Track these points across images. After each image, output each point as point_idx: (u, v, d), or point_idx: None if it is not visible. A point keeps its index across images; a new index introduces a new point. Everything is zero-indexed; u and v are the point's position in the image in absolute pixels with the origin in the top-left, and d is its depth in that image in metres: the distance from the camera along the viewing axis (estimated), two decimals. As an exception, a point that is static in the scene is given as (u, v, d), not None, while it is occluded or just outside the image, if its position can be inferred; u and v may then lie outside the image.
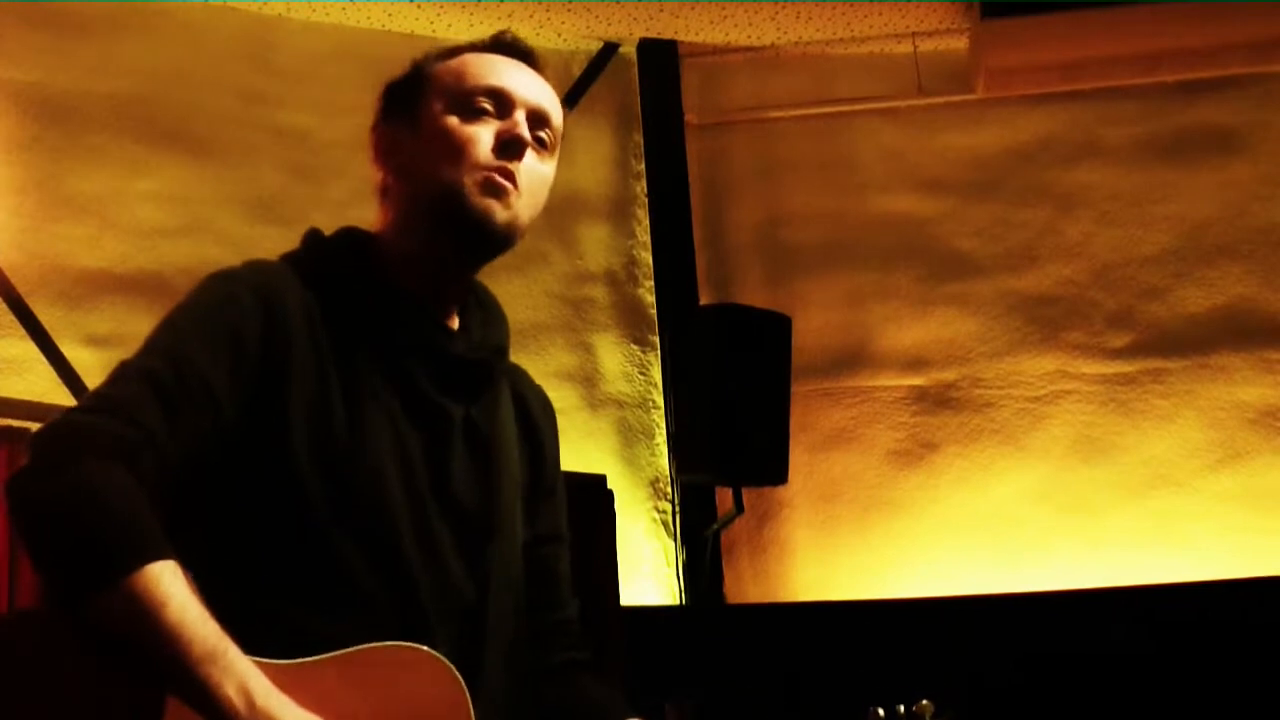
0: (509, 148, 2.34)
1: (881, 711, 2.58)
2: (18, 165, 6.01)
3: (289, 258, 2.35)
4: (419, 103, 2.38)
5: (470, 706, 2.20)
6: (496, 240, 2.35)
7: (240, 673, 1.98)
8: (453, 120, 2.34)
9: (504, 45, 2.46)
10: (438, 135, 2.34)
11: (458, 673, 2.18)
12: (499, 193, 2.32)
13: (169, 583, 1.97)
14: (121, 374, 2.11)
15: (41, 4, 6.14)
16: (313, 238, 2.40)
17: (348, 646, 2.10)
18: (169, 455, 2.06)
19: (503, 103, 2.37)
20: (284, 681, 2.03)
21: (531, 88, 2.41)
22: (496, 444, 2.43)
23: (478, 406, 2.42)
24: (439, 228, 2.33)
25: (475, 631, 2.29)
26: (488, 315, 2.53)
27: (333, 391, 2.21)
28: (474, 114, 2.35)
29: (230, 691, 1.97)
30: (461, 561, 2.30)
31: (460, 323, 2.45)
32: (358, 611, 2.15)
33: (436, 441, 2.32)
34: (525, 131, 2.36)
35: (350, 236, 2.40)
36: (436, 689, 2.18)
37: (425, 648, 2.17)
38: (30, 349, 5.80)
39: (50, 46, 6.18)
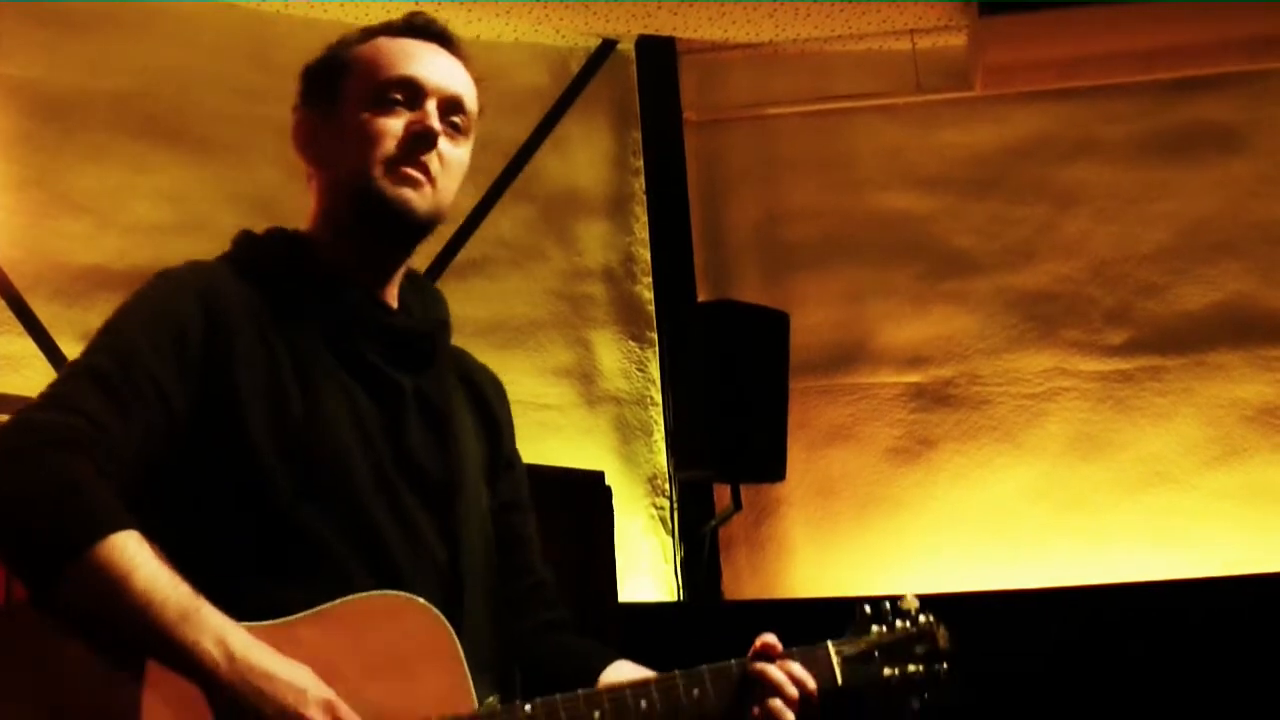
0: (419, 140, 2.37)
1: (868, 607, 2.57)
2: (16, 162, 6.00)
3: (226, 258, 2.40)
4: (336, 90, 2.42)
5: (457, 644, 2.20)
6: (416, 228, 2.41)
7: (216, 627, 2.00)
8: (365, 113, 2.38)
9: (417, 28, 2.48)
10: (351, 128, 2.38)
11: (440, 614, 2.20)
12: (414, 184, 2.36)
13: (134, 550, 2.00)
14: (70, 373, 2.19)
15: (42, 2, 6.14)
16: (246, 237, 2.45)
17: (302, 608, 2.12)
18: (122, 450, 2.10)
19: (414, 93, 2.40)
20: (265, 639, 2.03)
21: (443, 74, 2.43)
22: (448, 413, 2.46)
23: (425, 379, 2.45)
24: (360, 218, 2.38)
25: (452, 586, 2.31)
26: (425, 296, 2.56)
27: (284, 373, 2.25)
28: (386, 106, 2.38)
29: (208, 646, 1.98)
30: (431, 523, 2.33)
31: (399, 302, 2.48)
32: (331, 580, 2.16)
33: (391, 412, 2.36)
34: (435, 122, 2.39)
35: (281, 231, 2.45)
36: (421, 631, 2.19)
37: (404, 593, 2.19)
38: (28, 345, 5.80)
39: (49, 43, 6.18)
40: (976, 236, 6.96)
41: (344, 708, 2.03)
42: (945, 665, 2.60)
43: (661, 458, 6.69)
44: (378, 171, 2.35)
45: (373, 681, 2.11)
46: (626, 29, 7.04)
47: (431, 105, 2.40)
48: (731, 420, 6.05)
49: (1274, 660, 5.83)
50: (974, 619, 6.16)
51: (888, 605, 2.59)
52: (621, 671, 2.44)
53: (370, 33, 2.49)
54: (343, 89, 2.41)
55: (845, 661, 2.52)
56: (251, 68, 6.36)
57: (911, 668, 2.57)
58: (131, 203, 6.13)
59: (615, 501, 6.35)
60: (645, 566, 6.56)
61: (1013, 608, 6.14)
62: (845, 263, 6.97)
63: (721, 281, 6.98)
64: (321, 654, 2.07)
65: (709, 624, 6.22)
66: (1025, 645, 5.96)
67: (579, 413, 6.70)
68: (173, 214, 6.13)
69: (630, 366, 6.83)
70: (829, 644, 2.52)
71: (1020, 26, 6.74)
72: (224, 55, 6.42)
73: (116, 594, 1.97)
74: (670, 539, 6.59)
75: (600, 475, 6.40)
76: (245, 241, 2.44)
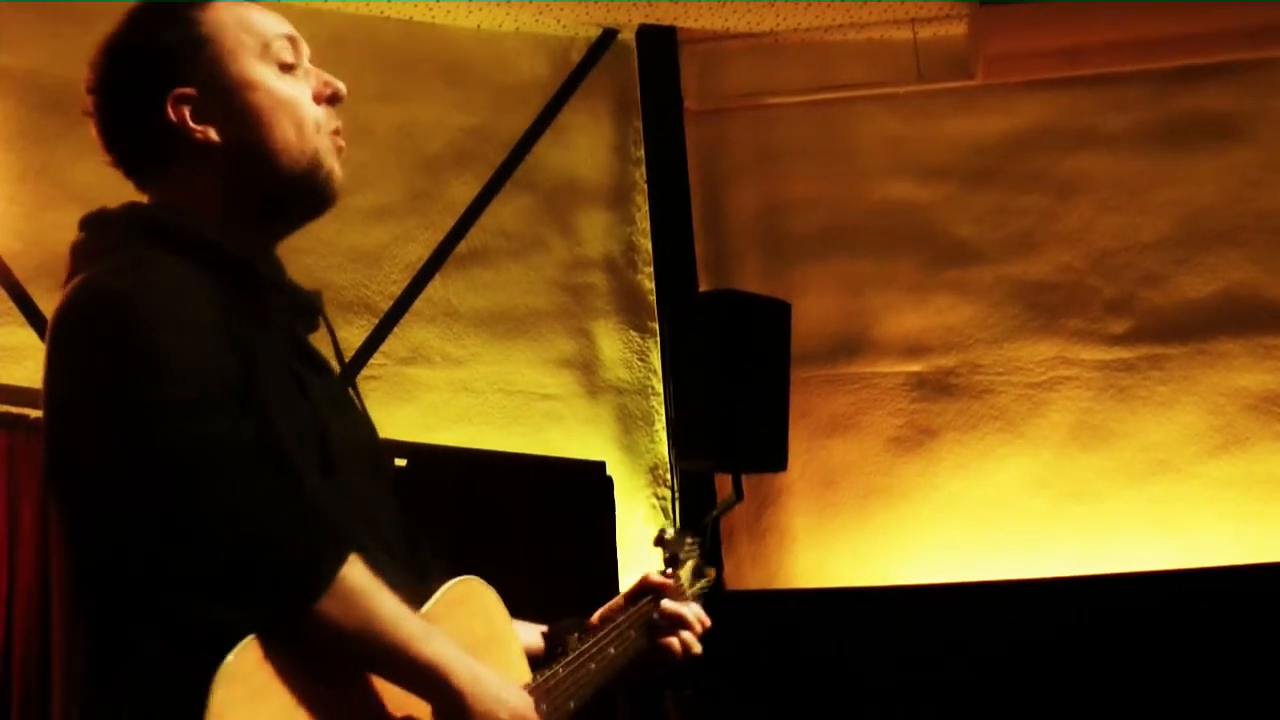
0: (335, 101, 2.32)
1: (666, 533, 3.06)
2: (17, 153, 6.00)
3: (152, 246, 2.18)
4: (206, 63, 2.25)
5: (508, 616, 2.36)
6: (331, 200, 2.32)
7: (452, 645, 2.01)
8: (273, 78, 2.27)
9: None
10: (260, 96, 2.24)
11: (492, 589, 2.33)
12: (339, 141, 2.32)
13: (368, 570, 1.96)
14: (164, 379, 1.93)
15: (40, -9, 6.14)
16: (155, 219, 2.27)
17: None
18: (257, 445, 1.99)
19: (297, 50, 2.33)
20: None
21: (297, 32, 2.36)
22: (351, 381, 2.46)
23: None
24: (284, 191, 2.26)
25: (419, 558, 2.36)
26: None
27: (266, 359, 2.14)
28: (284, 67, 2.29)
29: (454, 663, 1.99)
30: (380, 491, 2.33)
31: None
32: (374, 570, 2.12)
33: (329, 386, 2.31)
34: (339, 83, 2.33)
35: (185, 213, 2.26)
36: (495, 612, 2.34)
37: (471, 576, 2.29)
38: (29, 337, 5.80)
39: (50, 34, 6.17)
40: (978, 226, 6.95)
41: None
42: (712, 574, 3.14)
43: (663, 448, 6.70)
44: (312, 135, 2.26)
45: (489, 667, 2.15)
46: (627, 19, 7.03)
47: (306, 59, 2.34)
48: (733, 410, 6.05)
49: (1276, 649, 5.84)
50: (976, 608, 6.20)
51: (669, 537, 3.07)
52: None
53: (191, 4, 2.32)
54: (212, 60, 2.26)
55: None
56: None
57: (701, 584, 3.08)
58: (133, 194, 6.11)
59: (616, 491, 6.36)
60: (647, 556, 6.55)
61: (1014, 597, 6.14)
62: (847, 252, 6.97)
63: (723, 271, 6.98)
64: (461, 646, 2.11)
65: (710, 614, 6.22)
66: (1027, 634, 5.97)
67: (580, 403, 6.70)
68: (173, 204, 6.12)
69: (631, 356, 6.83)
70: (680, 574, 2.96)
71: (1021, 15, 6.74)
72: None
73: (370, 619, 1.93)
74: (672, 529, 6.58)
75: (601, 465, 6.41)
76: (160, 226, 2.24)
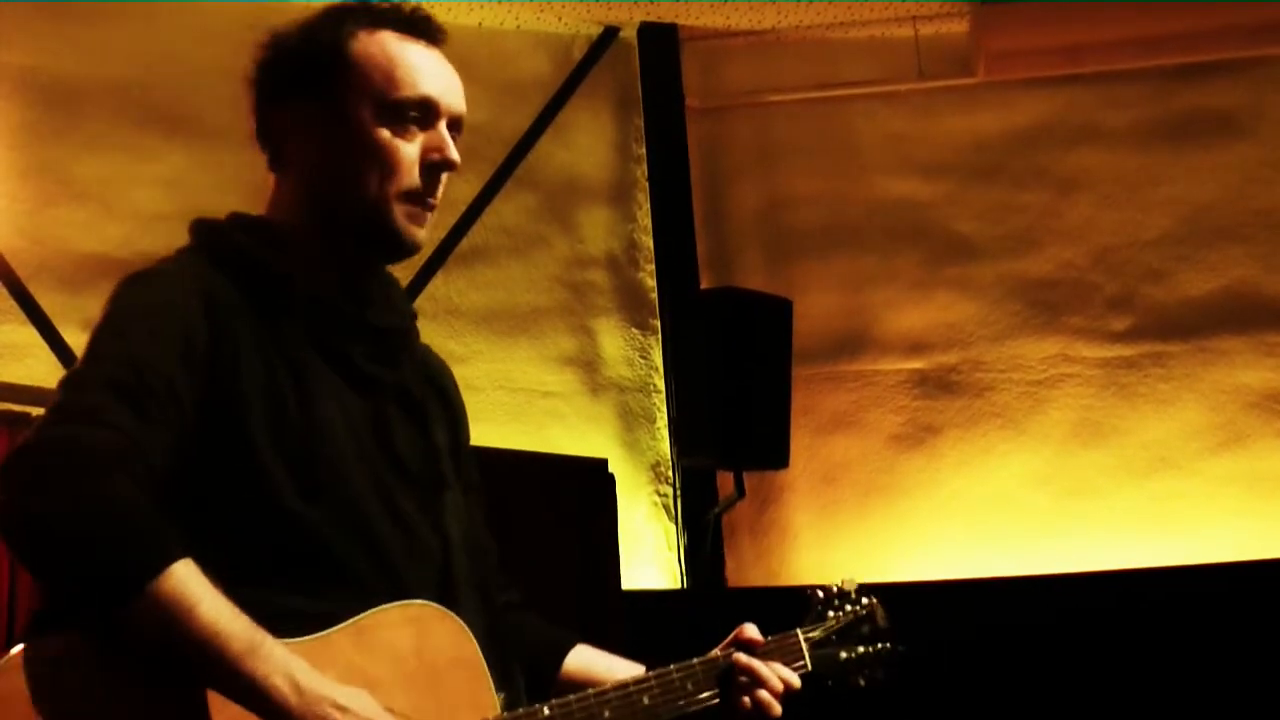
0: (437, 169, 2.33)
1: (820, 592, 2.74)
2: (18, 150, 6.00)
3: (196, 252, 2.30)
4: (338, 88, 2.30)
5: (477, 649, 2.24)
6: (407, 254, 2.36)
7: (282, 660, 1.97)
8: (383, 132, 2.29)
9: (420, 28, 2.39)
10: (366, 143, 2.28)
11: (460, 620, 2.23)
12: (422, 221, 2.33)
13: (196, 582, 1.96)
14: (79, 383, 2.08)
15: (42, -10, 6.14)
16: (210, 228, 2.35)
17: (339, 620, 2.10)
18: (152, 461, 2.03)
19: (429, 113, 2.33)
20: (305, 656, 2.02)
21: (453, 91, 2.37)
22: (425, 408, 2.43)
23: (399, 373, 2.41)
24: (353, 235, 2.32)
25: (446, 583, 2.31)
26: (390, 288, 2.48)
27: (279, 374, 2.19)
28: (403, 125, 2.31)
29: (278, 681, 1.96)
30: (422, 519, 2.32)
31: (369, 294, 2.40)
32: (340, 585, 2.15)
33: (377, 410, 2.32)
34: (453, 152, 2.34)
35: (246, 221, 2.35)
36: (445, 638, 2.22)
37: (427, 602, 2.21)
38: (31, 334, 5.80)
39: (51, 31, 6.17)
40: (979, 223, 6.95)
41: None
42: (887, 644, 2.75)
43: (665, 445, 6.70)
44: (393, 202, 2.29)
45: (408, 693, 2.12)
46: (629, 16, 7.03)
47: (443, 127, 2.34)
48: (735, 407, 6.05)
49: (1277, 645, 5.84)
50: (977, 605, 6.19)
51: (835, 589, 2.75)
52: (583, 656, 2.53)
53: (367, 21, 2.36)
54: (345, 87, 2.30)
55: (813, 648, 2.66)
56: (254, 56, 6.36)
57: (861, 649, 2.73)
58: (133, 191, 6.13)
59: (618, 489, 6.35)
60: (649, 554, 6.56)
61: (1015, 593, 6.14)
62: (848, 249, 6.97)
63: (724, 268, 6.98)
64: (361, 672, 2.08)
65: (712, 611, 6.23)
66: (1028, 631, 5.97)
67: (582, 400, 6.71)
68: (175, 202, 6.12)
69: (633, 354, 6.83)
70: (798, 632, 2.66)
71: (1022, 13, 6.75)
72: (226, 43, 6.38)
73: (182, 627, 1.93)
74: (674, 526, 6.59)
75: (603, 463, 6.40)
76: (212, 234, 2.34)
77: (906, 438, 6.74)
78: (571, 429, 6.63)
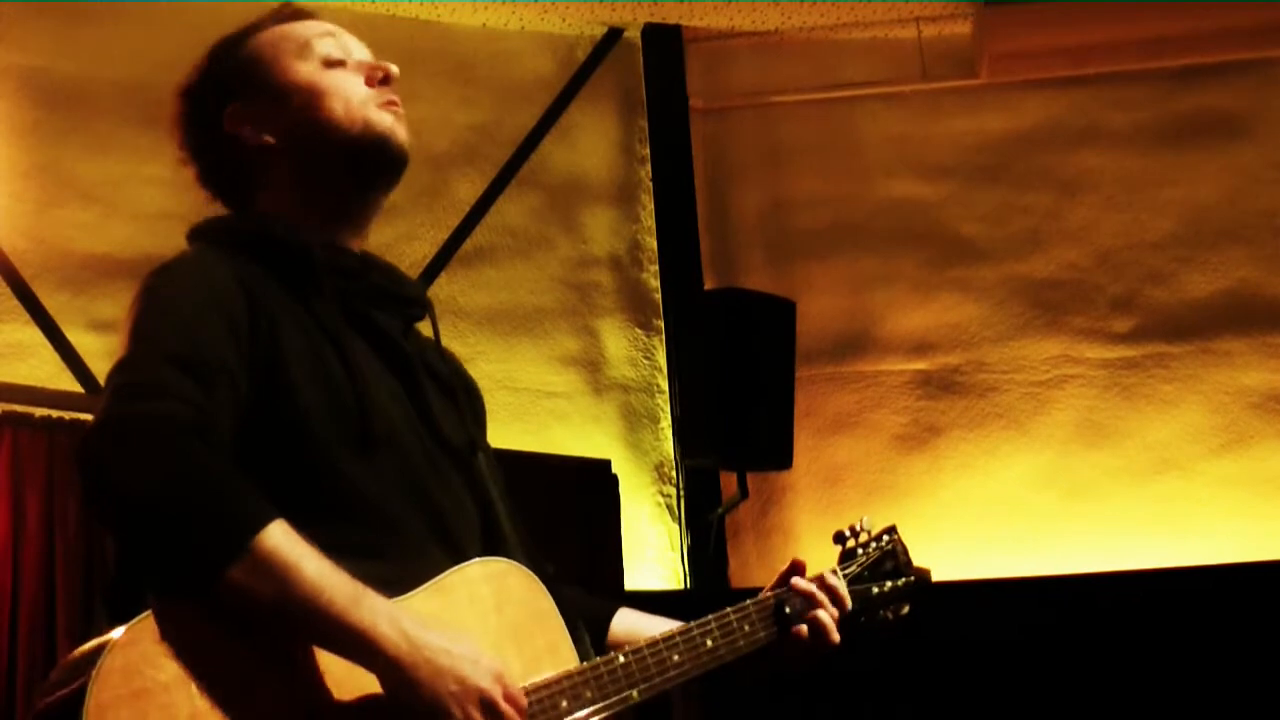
0: (385, 80, 2.43)
1: (847, 531, 2.78)
2: (22, 150, 6.01)
3: (211, 246, 2.35)
4: (260, 76, 2.43)
5: (553, 603, 2.30)
6: (400, 158, 2.41)
7: (386, 610, 1.99)
8: (317, 69, 2.40)
9: (298, 13, 2.53)
10: (309, 85, 2.40)
11: (534, 574, 2.29)
12: (395, 109, 2.41)
13: (295, 539, 1.98)
14: (137, 363, 2.09)
15: (46, -10, 6.15)
16: (218, 222, 2.42)
17: (406, 585, 2.11)
18: (220, 426, 2.06)
19: (343, 48, 2.44)
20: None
21: (349, 35, 2.49)
22: (452, 376, 2.49)
23: (421, 343, 2.47)
24: (347, 166, 2.37)
25: (494, 545, 2.35)
26: (387, 265, 2.54)
27: (319, 343, 2.23)
28: (328, 62, 2.41)
29: (386, 629, 1.97)
30: (463, 484, 2.35)
31: (380, 266, 2.49)
32: (398, 546, 2.17)
33: (409, 378, 2.36)
34: (389, 63, 2.44)
35: (258, 212, 2.41)
36: (526, 595, 2.28)
37: (503, 559, 2.27)
38: (35, 334, 5.81)
39: (55, 32, 6.18)
40: (983, 224, 6.96)
41: (508, 675, 2.06)
42: (911, 578, 2.78)
43: (668, 445, 6.70)
44: (364, 108, 2.38)
45: (496, 647, 2.13)
46: (633, 17, 7.04)
47: (359, 54, 2.46)
48: (738, 408, 6.06)
49: (1279, 646, 5.84)
50: (980, 606, 6.19)
51: (860, 528, 2.78)
52: (629, 618, 2.59)
53: (252, 29, 2.54)
54: (271, 69, 2.43)
55: (849, 584, 2.67)
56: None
57: (889, 584, 2.74)
58: (138, 191, 6.13)
59: (622, 489, 6.36)
60: (652, 554, 6.56)
61: (1018, 594, 6.15)
62: (851, 250, 6.97)
63: (728, 269, 6.99)
64: (449, 624, 2.09)
65: (715, 611, 6.22)
66: (1031, 632, 5.97)
67: (586, 401, 6.71)
68: (179, 202, 6.06)
69: (637, 354, 6.83)
70: (836, 570, 2.69)
71: (1026, 14, 6.75)
72: (230, 43, 6.43)
73: (288, 583, 1.94)
74: (677, 527, 6.59)
75: (607, 463, 6.41)
76: (221, 225, 2.42)
77: (910, 438, 6.74)
78: (575, 429, 6.63)
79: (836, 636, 2.53)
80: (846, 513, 6.63)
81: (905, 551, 2.80)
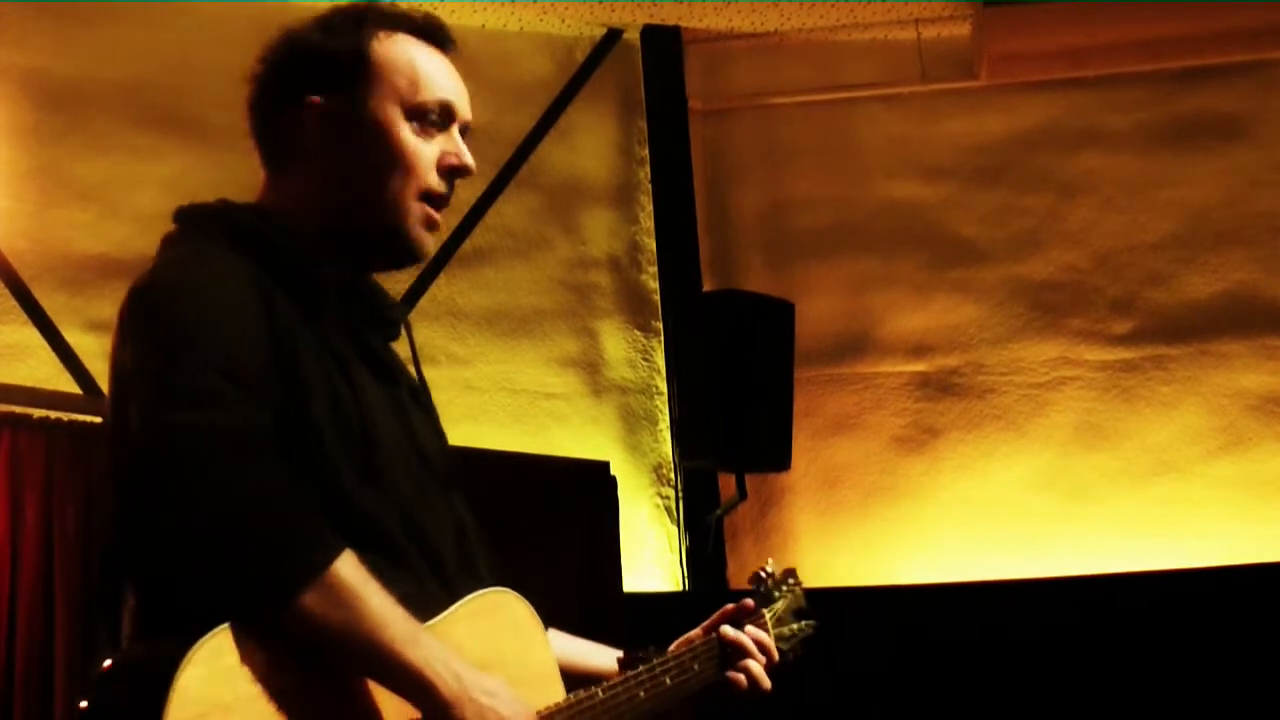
0: (455, 174, 2.37)
1: (762, 574, 2.86)
2: (21, 150, 6.01)
3: (215, 240, 2.27)
4: (360, 86, 2.33)
5: (544, 632, 2.35)
6: (411, 264, 2.40)
7: (439, 649, 2.01)
8: (407, 132, 2.32)
9: (438, 36, 2.45)
10: (390, 142, 2.32)
11: (529, 604, 2.32)
12: (434, 227, 2.36)
13: (362, 569, 1.97)
14: (186, 366, 2.01)
15: (45, -9, 6.15)
16: (227, 218, 2.33)
17: (418, 614, 2.09)
18: (269, 437, 2.01)
19: (447, 117, 2.37)
20: None
21: (466, 98, 2.42)
22: (429, 397, 2.48)
23: (399, 363, 2.43)
24: (365, 235, 2.34)
25: (472, 568, 2.35)
26: (374, 283, 2.49)
27: (327, 361, 2.19)
28: (425, 127, 2.34)
29: (439, 669, 1.98)
30: (445, 507, 2.34)
31: (370, 286, 2.44)
32: (403, 573, 2.15)
33: (397, 399, 2.34)
34: (469, 157, 2.37)
35: (262, 213, 2.34)
36: (523, 622, 2.33)
37: (504, 589, 2.30)
38: (33, 335, 5.81)
39: (54, 32, 6.18)
40: (982, 226, 6.96)
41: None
42: (812, 622, 2.88)
43: (667, 447, 6.70)
44: (411, 203, 2.31)
45: (515, 684, 2.15)
46: (632, 18, 7.04)
47: (457, 132, 2.38)
48: (737, 409, 6.06)
49: (1278, 649, 5.84)
50: (978, 608, 6.19)
51: (773, 573, 2.87)
52: (559, 641, 2.55)
53: (386, 23, 2.40)
54: (368, 86, 2.33)
55: (774, 626, 2.78)
56: (265, 51, 6.36)
57: (795, 626, 2.85)
58: (137, 192, 6.13)
59: (620, 491, 6.36)
60: (650, 556, 6.56)
61: (1017, 597, 6.14)
62: (850, 252, 6.98)
63: (727, 271, 6.99)
64: (471, 654, 2.11)
65: (714, 613, 6.22)
66: (1029, 634, 5.97)
67: (584, 402, 6.71)
68: (178, 203, 6.11)
69: (636, 356, 6.83)
70: (765, 613, 2.78)
71: (1025, 16, 6.74)
72: (229, 44, 6.39)
73: (353, 616, 1.93)
74: (675, 528, 6.59)
75: (605, 465, 6.41)
76: (229, 221, 2.32)
77: (908, 440, 6.74)
78: (573, 431, 6.63)
79: (769, 684, 2.65)
80: (845, 514, 6.66)
81: (804, 596, 2.92)
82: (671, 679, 2.49)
